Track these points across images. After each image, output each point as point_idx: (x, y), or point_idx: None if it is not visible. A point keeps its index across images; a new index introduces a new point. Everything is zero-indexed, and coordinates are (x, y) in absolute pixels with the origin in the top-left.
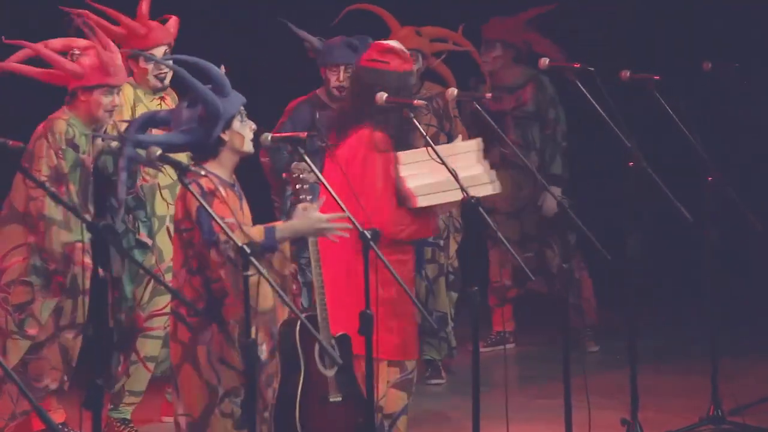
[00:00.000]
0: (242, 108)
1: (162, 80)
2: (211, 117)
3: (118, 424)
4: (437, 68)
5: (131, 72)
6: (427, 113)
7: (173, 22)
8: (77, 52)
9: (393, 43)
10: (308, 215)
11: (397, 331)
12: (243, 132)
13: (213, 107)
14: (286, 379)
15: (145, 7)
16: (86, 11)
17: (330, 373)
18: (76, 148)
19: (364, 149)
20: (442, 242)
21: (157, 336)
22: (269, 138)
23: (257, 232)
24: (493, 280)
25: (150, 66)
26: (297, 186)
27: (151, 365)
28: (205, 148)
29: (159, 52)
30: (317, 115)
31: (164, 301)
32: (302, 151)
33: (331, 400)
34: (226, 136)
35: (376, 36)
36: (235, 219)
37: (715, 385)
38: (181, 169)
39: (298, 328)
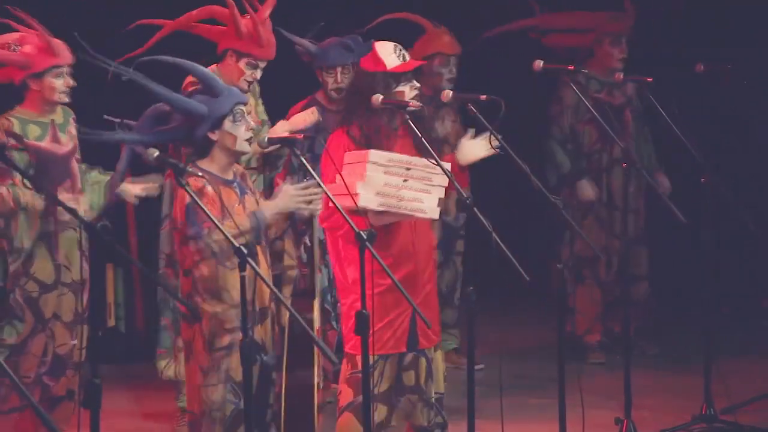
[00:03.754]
0: (239, 107)
1: (249, 83)
2: (193, 117)
3: None
4: None
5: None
6: (451, 111)
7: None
8: (14, 45)
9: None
10: (285, 191)
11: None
12: (235, 132)
13: (184, 110)
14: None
15: (266, 12)
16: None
17: None
18: (19, 138)
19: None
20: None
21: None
22: (266, 139)
23: (245, 220)
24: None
25: (246, 70)
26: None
27: None
28: (196, 146)
29: (262, 64)
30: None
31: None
32: (298, 152)
33: None
34: (215, 136)
35: (405, 39)
36: (218, 218)
37: (708, 384)
38: (178, 171)
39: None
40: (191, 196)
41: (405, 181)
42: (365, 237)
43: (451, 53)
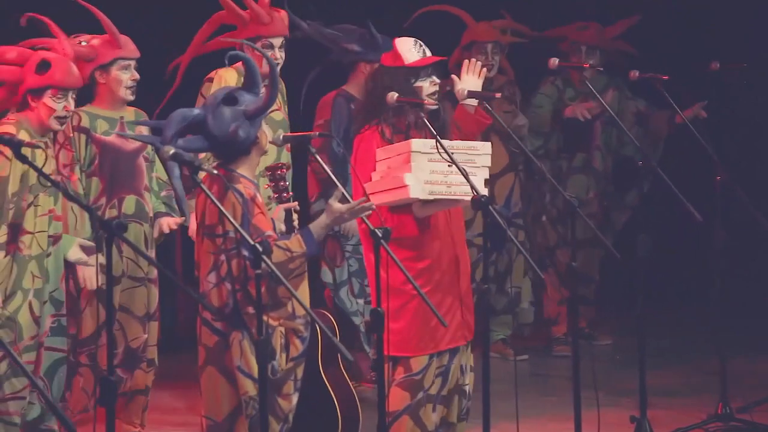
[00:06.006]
0: None
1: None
2: (260, 113)
3: None
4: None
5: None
6: (504, 102)
7: (284, 15)
8: (83, 41)
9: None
10: (332, 209)
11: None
12: (266, 131)
13: (272, 101)
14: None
15: None
16: None
17: None
18: (86, 132)
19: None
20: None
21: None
22: (281, 137)
23: (297, 243)
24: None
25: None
26: (277, 183)
27: None
28: (242, 146)
29: (277, 42)
30: (352, 107)
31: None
32: (313, 150)
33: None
34: (260, 134)
35: (445, 33)
36: (273, 231)
37: (724, 383)
38: (194, 168)
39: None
40: (208, 195)
41: (450, 166)
42: (380, 235)
43: (486, 41)
